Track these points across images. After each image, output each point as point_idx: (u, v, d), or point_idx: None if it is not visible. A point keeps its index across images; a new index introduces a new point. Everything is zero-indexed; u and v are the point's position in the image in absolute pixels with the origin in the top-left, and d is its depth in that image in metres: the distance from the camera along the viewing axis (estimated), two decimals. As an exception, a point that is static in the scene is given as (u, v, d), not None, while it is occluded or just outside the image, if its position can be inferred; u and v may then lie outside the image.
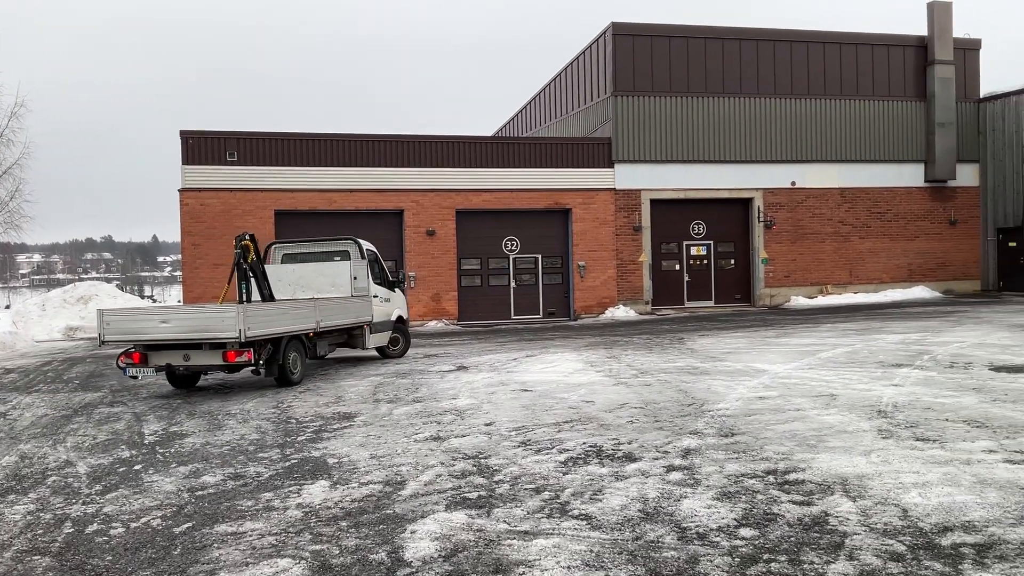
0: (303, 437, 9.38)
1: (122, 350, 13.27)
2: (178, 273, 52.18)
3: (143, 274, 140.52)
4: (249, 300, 14.30)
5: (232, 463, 8.23)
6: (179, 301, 34.03)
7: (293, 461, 8.21)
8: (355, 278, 16.41)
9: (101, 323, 12.78)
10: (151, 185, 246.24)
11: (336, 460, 8.15)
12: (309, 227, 27.09)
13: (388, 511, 6.38)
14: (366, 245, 17.12)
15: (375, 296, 16.72)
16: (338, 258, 16.92)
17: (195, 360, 12.72)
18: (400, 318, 17.85)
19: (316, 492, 7.00)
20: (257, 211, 26.32)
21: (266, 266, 15.68)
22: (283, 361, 13.42)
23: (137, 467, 8.25)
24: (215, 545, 5.78)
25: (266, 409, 11.43)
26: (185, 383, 13.93)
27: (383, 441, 8.95)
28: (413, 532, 5.84)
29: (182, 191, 26.06)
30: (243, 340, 12.21)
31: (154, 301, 65.59)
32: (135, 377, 13.19)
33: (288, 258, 17.31)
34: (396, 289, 17.86)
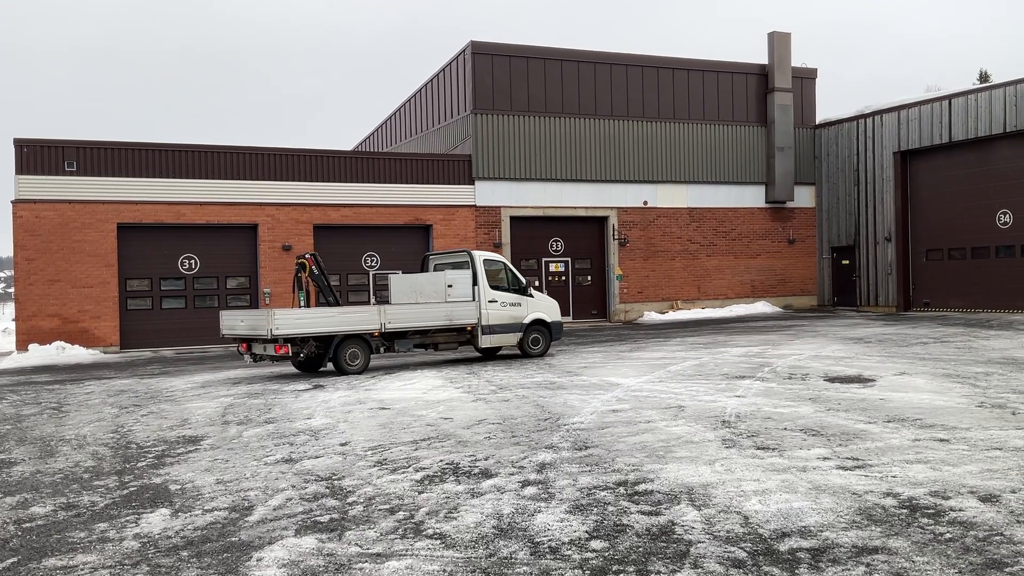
0: (144, 463, 8.90)
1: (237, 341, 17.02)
2: (12, 289, 48.74)
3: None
4: (308, 306, 17.68)
5: (64, 492, 7.71)
6: (12, 320, 31.77)
7: (132, 489, 7.77)
8: (450, 286, 18.17)
9: (222, 321, 16.99)
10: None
11: (179, 487, 7.76)
12: (156, 241, 25.92)
13: (233, 538, 6.12)
14: (483, 256, 18.79)
15: (492, 301, 18.27)
16: (458, 268, 18.67)
17: (267, 351, 15.81)
18: (539, 320, 18.97)
19: (155, 521, 6.64)
20: (98, 224, 24.95)
21: (416, 274, 19.18)
22: (335, 355, 16.23)
23: (-45, 500, 7.61)
24: (41, 582, 5.39)
25: (104, 434, 10.79)
26: (308, 367, 17.00)
27: (231, 465, 8.60)
28: (259, 560, 5.62)
29: (15, 203, 24.40)
30: (270, 337, 15.36)
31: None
32: (247, 361, 17.00)
33: (437, 267, 19.40)
34: (530, 294, 19.06)
